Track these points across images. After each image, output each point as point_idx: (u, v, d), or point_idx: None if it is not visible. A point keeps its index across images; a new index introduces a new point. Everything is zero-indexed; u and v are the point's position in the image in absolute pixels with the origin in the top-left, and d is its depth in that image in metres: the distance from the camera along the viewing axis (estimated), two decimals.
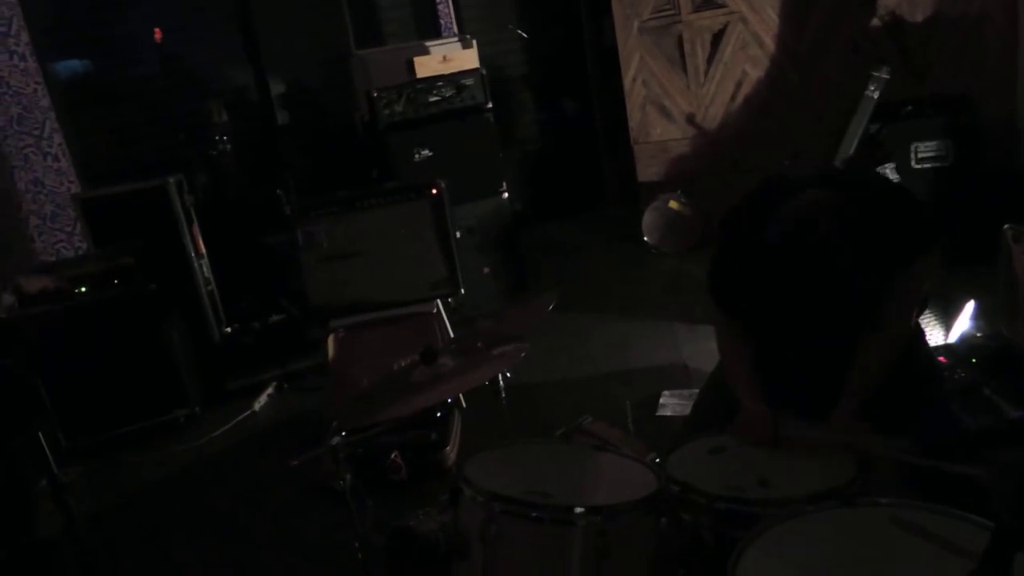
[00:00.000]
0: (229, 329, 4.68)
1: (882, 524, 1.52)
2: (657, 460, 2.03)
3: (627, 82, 5.28)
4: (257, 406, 4.17)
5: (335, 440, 2.07)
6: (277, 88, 5.44)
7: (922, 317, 2.34)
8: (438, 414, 3.30)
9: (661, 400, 3.45)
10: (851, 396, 1.99)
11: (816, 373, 2.10)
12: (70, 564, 2.70)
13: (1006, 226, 3.12)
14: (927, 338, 2.43)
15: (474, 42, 4.78)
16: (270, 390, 4.30)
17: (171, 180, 4.30)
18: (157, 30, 5.16)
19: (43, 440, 2.05)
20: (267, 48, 5.27)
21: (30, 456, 2.35)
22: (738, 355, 2.21)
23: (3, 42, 4.55)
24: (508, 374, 2.46)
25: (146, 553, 3.11)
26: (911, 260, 2.00)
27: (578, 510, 1.60)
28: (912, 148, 4.12)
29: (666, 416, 3.34)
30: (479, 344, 2.17)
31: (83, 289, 3.82)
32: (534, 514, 1.63)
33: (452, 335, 3.62)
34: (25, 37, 4.60)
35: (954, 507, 1.52)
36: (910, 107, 4.24)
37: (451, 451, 3.22)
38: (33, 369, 3.40)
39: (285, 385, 4.35)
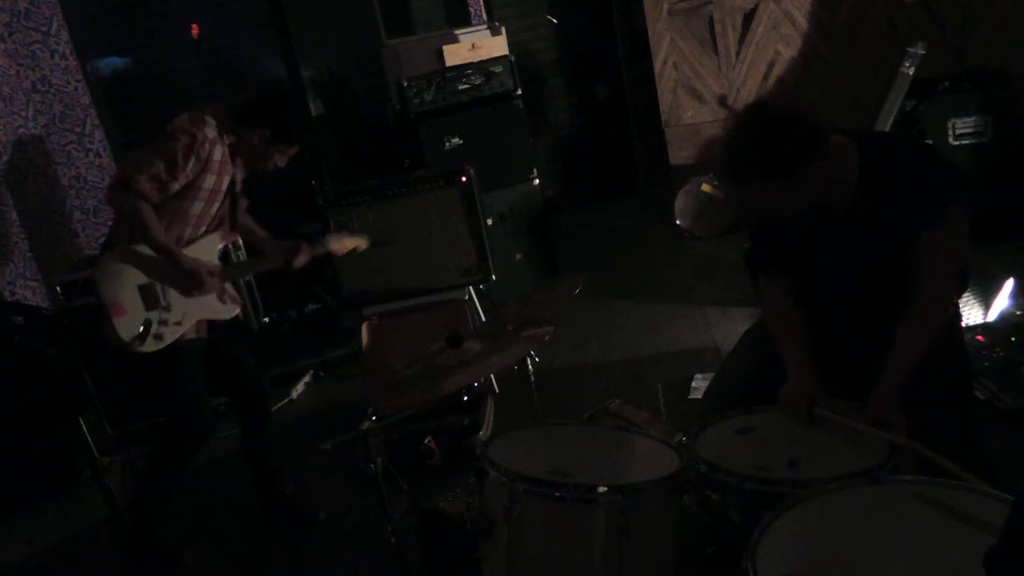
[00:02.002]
0: (267, 319, 4.76)
1: (906, 500, 1.51)
2: (684, 441, 2.03)
3: (657, 65, 5.24)
4: (295, 394, 4.25)
5: (365, 425, 2.11)
6: (310, 79, 5.51)
7: (962, 297, 2.25)
8: (464, 398, 3.33)
9: (693, 383, 3.44)
10: (891, 376, 1.92)
11: (855, 353, 2.07)
12: (115, 545, 2.79)
13: None
14: (962, 323, 2.36)
15: (503, 29, 4.78)
16: (307, 378, 4.38)
17: None
18: (194, 26, 5.25)
19: (84, 428, 2.12)
20: (300, 40, 5.34)
21: (76, 443, 2.45)
22: (787, 331, 2.13)
23: (44, 41, 4.66)
24: (537, 359, 2.48)
25: (188, 535, 3.20)
26: (935, 214, 1.92)
27: (600, 489, 1.62)
28: (949, 124, 4.04)
29: (698, 399, 3.34)
30: (509, 327, 2.19)
31: None
32: (557, 493, 1.65)
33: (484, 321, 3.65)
34: (65, 36, 4.71)
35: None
36: (947, 83, 4.15)
37: (484, 436, 3.25)
38: (79, 359, 3.50)
39: (321, 373, 4.42)
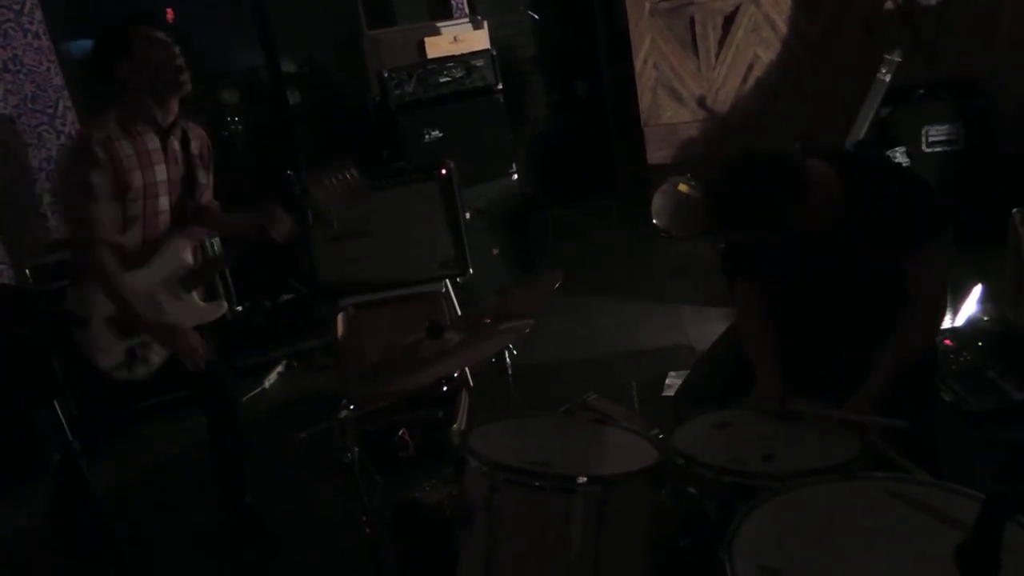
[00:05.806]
0: (240, 308, 4.72)
1: (877, 496, 1.54)
2: (660, 435, 2.05)
3: (638, 64, 5.27)
4: (267, 384, 4.22)
5: (343, 414, 2.11)
6: (289, 69, 5.46)
7: None
8: (444, 388, 3.33)
9: (667, 381, 3.48)
10: (873, 380, 1.96)
11: (833, 359, 2.10)
12: (88, 535, 2.75)
13: (1015, 210, 3.13)
14: None
15: (485, 23, 4.78)
16: (280, 368, 4.35)
17: None
18: (169, 10, 5.18)
19: (59, 410, 2.09)
20: (279, 29, 5.29)
21: (48, 427, 2.41)
22: (756, 334, 2.18)
23: (17, 21, 4.57)
24: (515, 352, 2.49)
25: (159, 525, 3.17)
26: (919, 243, 1.95)
27: (580, 479, 1.63)
28: (923, 132, 4.11)
29: (671, 396, 3.36)
30: (487, 320, 2.20)
31: None
32: (536, 483, 1.66)
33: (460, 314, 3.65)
34: (38, 15, 4.62)
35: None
36: (921, 91, 4.22)
37: (458, 429, 3.25)
38: (51, 343, 3.44)
39: (294, 363, 4.40)
